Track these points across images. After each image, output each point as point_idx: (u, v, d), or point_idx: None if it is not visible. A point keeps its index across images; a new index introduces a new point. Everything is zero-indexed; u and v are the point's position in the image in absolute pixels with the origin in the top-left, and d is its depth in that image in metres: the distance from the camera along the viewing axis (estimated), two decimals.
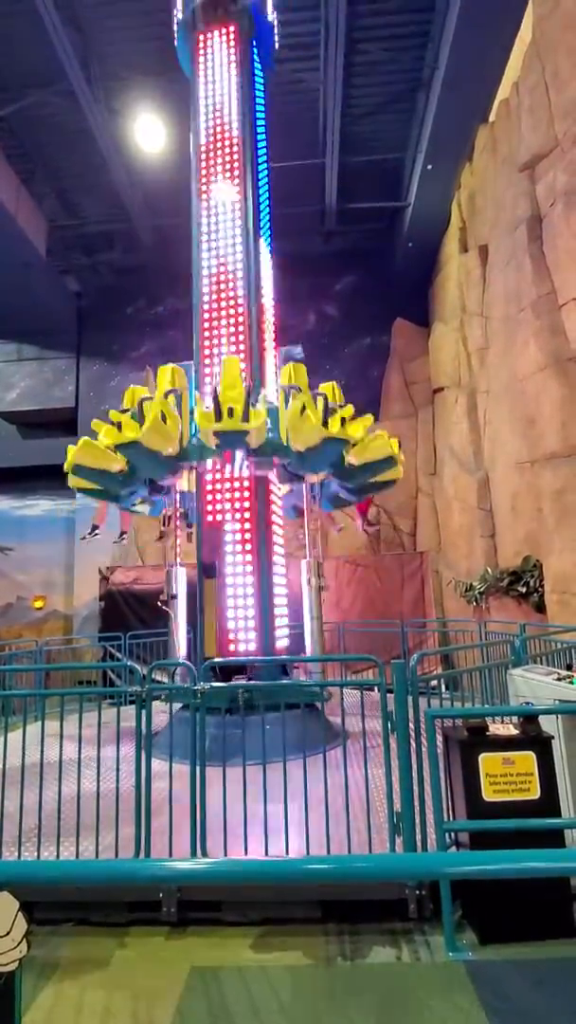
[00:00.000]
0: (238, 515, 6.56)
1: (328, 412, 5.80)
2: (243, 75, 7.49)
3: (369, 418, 6.44)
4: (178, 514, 7.15)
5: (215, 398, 5.71)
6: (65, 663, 10.31)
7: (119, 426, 5.94)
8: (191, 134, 7.82)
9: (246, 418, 5.61)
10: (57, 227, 14.24)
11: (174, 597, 6.76)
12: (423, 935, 3.11)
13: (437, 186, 11.83)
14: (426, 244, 13.24)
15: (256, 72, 7.82)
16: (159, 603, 6.92)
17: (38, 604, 15.23)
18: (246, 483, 6.56)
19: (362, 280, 15.07)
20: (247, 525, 6.50)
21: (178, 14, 8.02)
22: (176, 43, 8.18)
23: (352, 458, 6.07)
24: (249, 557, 6.42)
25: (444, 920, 3.02)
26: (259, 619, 6.31)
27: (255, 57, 7.87)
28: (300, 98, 11.27)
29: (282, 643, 6.69)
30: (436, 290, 13.63)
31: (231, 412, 5.62)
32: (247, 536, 6.47)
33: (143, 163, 12.59)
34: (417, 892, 3.22)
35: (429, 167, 11.49)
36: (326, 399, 5.89)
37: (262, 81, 7.99)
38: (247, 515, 6.52)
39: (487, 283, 10.27)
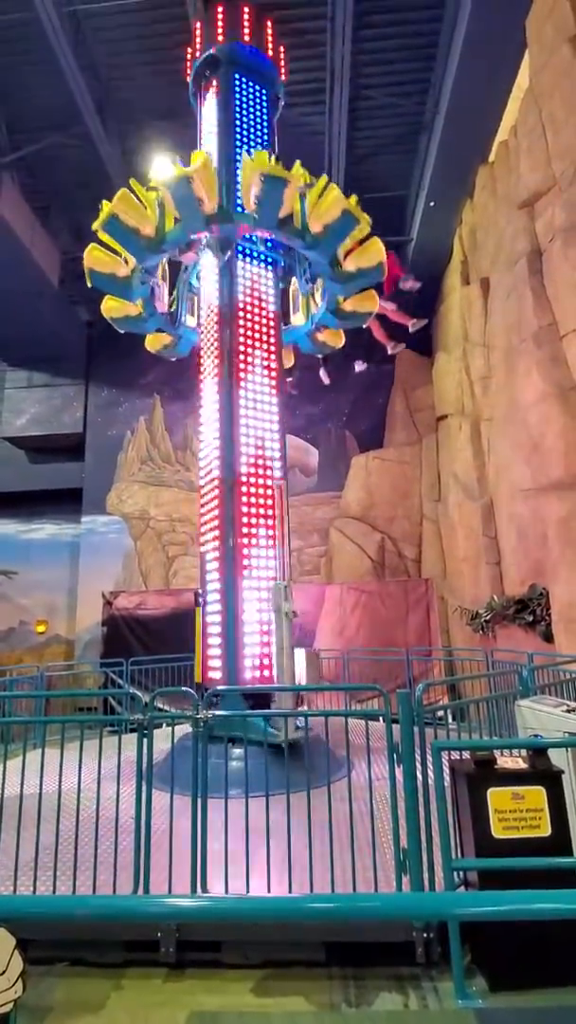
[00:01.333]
0: (213, 535, 6.69)
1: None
2: (227, 120, 7.92)
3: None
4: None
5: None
6: (65, 689, 10.20)
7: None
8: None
9: None
10: (70, 259, 14.67)
11: None
12: (431, 981, 2.98)
13: (439, 222, 12.20)
14: (429, 276, 13.53)
15: (256, 112, 8.14)
16: None
17: (40, 628, 15.15)
18: (215, 504, 6.67)
19: None
20: (215, 544, 6.59)
21: (191, 64, 8.44)
22: (189, 90, 8.59)
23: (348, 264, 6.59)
24: (217, 584, 6.45)
25: (453, 965, 2.89)
26: (224, 645, 6.26)
27: (264, 101, 8.24)
28: (306, 139, 11.71)
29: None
30: (439, 320, 13.90)
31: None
32: (216, 556, 6.56)
33: None
34: (425, 935, 3.10)
35: (431, 204, 11.87)
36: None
37: (266, 122, 8.32)
38: (215, 537, 6.61)
39: (489, 314, 10.48)
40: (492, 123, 10.40)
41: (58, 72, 9.83)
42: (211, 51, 8.03)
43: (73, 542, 15.54)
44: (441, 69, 10.00)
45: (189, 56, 8.52)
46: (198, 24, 8.38)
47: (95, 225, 6.46)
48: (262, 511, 6.66)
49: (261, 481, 6.71)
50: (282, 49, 8.64)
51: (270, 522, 6.62)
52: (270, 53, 8.32)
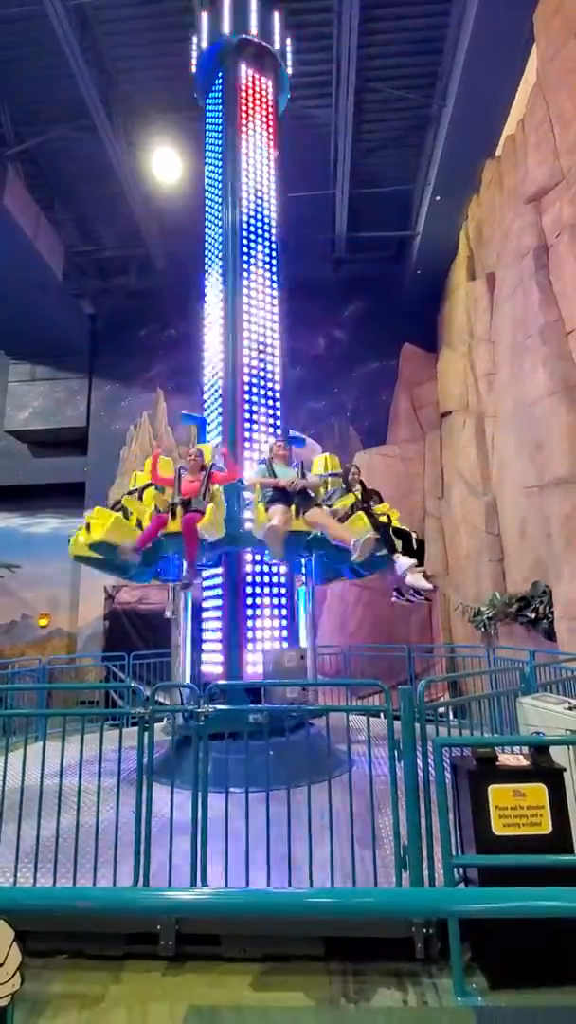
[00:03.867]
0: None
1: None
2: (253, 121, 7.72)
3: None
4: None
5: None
6: (67, 683, 10.23)
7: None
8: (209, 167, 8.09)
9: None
10: (74, 252, 14.65)
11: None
12: (430, 977, 2.98)
13: (445, 216, 12.11)
14: (434, 272, 13.49)
15: (261, 106, 8.04)
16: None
17: (43, 622, 15.20)
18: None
19: (371, 306, 15.32)
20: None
21: (199, 45, 8.32)
22: (194, 83, 8.52)
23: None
24: None
25: (452, 962, 2.89)
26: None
27: (269, 92, 8.17)
28: (312, 133, 11.64)
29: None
30: (444, 316, 13.82)
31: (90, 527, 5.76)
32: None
33: (159, 193, 12.99)
34: (424, 931, 3.09)
35: (437, 199, 11.78)
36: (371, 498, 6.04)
37: (269, 117, 8.25)
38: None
39: (494, 310, 10.40)
40: (499, 117, 10.31)
41: (64, 65, 9.79)
42: (216, 44, 7.97)
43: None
44: (448, 63, 9.91)
45: (195, 49, 8.46)
46: (204, 16, 8.31)
47: (83, 540, 5.85)
48: None
49: None
50: (288, 41, 8.57)
51: None
52: (277, 45, 8.25)
